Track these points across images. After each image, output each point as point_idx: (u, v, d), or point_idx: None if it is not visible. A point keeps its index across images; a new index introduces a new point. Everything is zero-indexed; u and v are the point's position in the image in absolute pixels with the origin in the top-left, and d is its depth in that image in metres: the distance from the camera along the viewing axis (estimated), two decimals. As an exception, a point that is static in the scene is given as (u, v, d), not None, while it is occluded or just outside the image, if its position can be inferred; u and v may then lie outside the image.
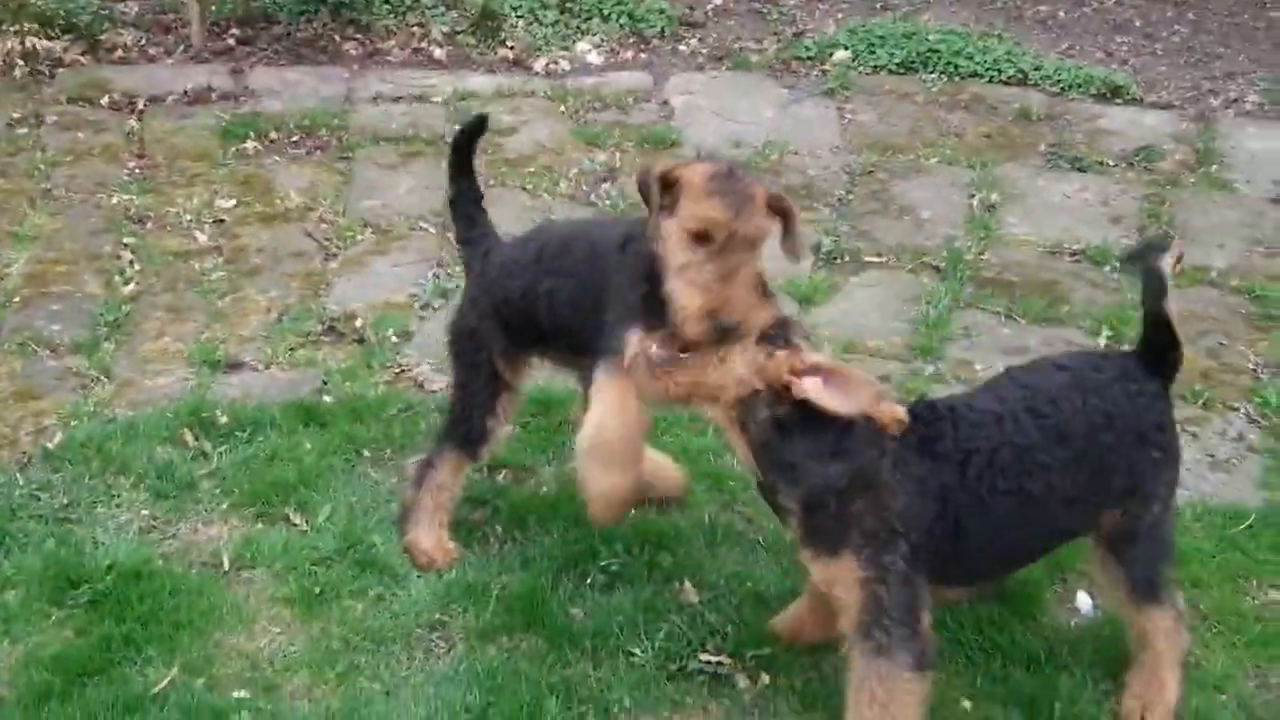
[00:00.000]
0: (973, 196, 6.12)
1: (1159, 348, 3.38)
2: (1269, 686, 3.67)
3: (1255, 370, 5.03)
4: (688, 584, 3.86)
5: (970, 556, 3.27)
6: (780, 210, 3.21)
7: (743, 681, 3.56)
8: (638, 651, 3.61)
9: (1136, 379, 3.35)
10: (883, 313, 5.27)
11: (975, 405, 3.28)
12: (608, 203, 6.01)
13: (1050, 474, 3.23)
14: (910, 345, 5.07)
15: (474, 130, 3.97)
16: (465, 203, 4.00)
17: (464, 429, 3.88)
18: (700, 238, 3.10)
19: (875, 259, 5.66)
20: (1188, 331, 5.07)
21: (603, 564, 3.90)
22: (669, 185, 3.17)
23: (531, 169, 6.28)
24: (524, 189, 6.12)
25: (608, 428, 3.32)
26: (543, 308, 3.66)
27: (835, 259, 5.64)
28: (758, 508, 4.12)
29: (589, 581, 3.86)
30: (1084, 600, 3.92)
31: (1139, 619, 3.46)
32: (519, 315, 3.75)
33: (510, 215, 5.90)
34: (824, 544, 3.15)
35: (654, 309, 3.21)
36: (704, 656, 3.61)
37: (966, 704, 3.51)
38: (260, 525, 4.08)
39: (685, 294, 3.10)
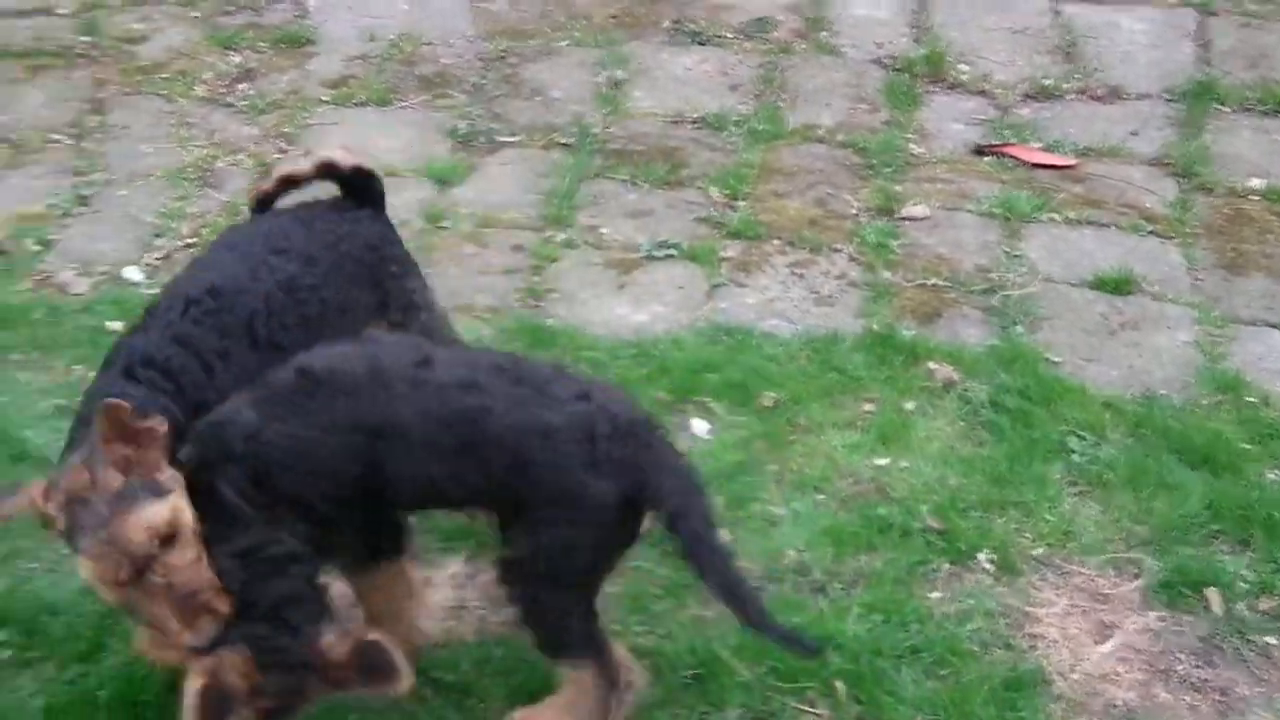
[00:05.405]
0: (600, 75, 6.46)
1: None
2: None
3: (856, 215, 5.52)
4: None
5: None
6: None
7: None
8: None
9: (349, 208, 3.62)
10: (517, 188, 5.57)
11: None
12: (244, 103, 6.12)
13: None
14: (543, 215, 5.40)
15: None
16: None
17: None
18: None
19: (509, 139, 5.93)
20: (798, 184, 5.63)
21: None
22: None
23: (166, 75, 6.30)
24: (159, 94, 6.15)
25: None
26: None
27: (471, 141, 5.90)
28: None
29: None
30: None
31: None
32: None
33: (147, 120, 5.97)
34: None
35: None
36: None
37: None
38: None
39: None
